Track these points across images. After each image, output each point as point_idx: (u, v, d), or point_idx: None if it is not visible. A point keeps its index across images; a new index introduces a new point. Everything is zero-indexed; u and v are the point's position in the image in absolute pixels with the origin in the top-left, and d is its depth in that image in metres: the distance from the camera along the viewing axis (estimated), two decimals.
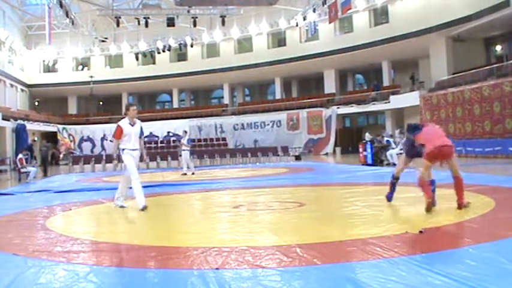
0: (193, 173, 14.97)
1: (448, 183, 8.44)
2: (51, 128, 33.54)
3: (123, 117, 7.08)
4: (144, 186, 10.89)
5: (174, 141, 32.30)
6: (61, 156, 31.94)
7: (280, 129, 32.70)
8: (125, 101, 40.77)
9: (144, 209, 6.60)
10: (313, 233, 4.52)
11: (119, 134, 6.92)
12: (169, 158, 23.64)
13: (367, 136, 18.24)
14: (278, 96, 37.59)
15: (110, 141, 34.32)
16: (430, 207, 5.27)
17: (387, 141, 16.01)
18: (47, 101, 40.81)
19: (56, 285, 3.08)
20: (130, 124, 6.93)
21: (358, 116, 35.63)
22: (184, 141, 15.55)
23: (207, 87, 41.99)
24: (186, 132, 16.72)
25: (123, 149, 6.93)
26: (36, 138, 31.91)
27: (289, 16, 32.32)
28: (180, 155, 16.95)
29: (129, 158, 6.87)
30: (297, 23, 29.79)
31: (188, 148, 15.42)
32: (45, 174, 17.84)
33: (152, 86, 39.47)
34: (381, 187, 9.05)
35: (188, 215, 6.45)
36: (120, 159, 6.98)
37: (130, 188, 6.96)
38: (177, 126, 33.38)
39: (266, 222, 5.40)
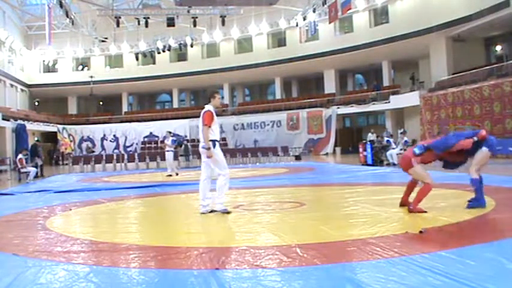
0: (176, 174, 14.68)
1: (447, 182, 8.45)
2: (51, 128, 33.55)
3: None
4: (144, 186, 11.01)
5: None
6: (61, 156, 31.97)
7: (280, 129, 32.72)
8: (125, 101, 40.89)
9: (225, 212, 5.93)
10: (313, 233, 4.52)
11: (210, 119, 6.05)
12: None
13: (370, 136, 18.04)
14: (278, 96, 37.61)
15: (111, 141, 34.50)
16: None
17: (387, 141, 16.00)
18: (47, 101, 40.84)
19: (56, 285, 3.08)
20: (215, 112, 6.20)
21: (358, 116, 35.65)
22: (168, 142, 15.18)
23: (207, 87, 41.93)
24: (170, 132, 16.28)
25: (214, 141, 6.09)
26: (36, 138, 31.93)
27: (289, 16, 32.35)
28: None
29: (218, 151, 6.09)
30: (297, 23, 29.81)
31: (172, 149, 15.22)
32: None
33: (152, 86, 39.48)
34: (381, 187, 9.07)
35: (188, 215, 6.44)
36: (210, 152, 5.96)
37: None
38: (177, 126, 33.39)
39: (266, 222, 5.39)
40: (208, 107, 6.21)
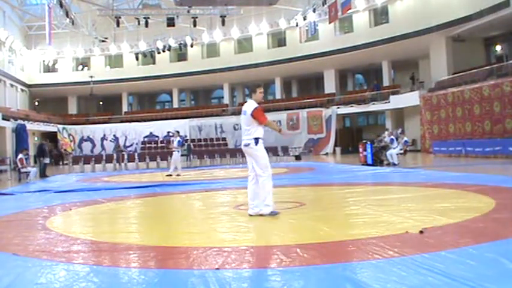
0: (178, 175, 14.75)
1: (447, 182, 8.44)
2: (51, 128, 33.56)
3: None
4: (144, 186, 11.01)
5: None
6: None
7: None
8: (125, 101, 40.89)
9: (273, 214, 5.55)
10: (313, 233, 4.52)
11: (263, 115, 5.79)
12: (169, 158, 23.59)
13: (387, 134, 17.13)
14: (278, 96, 37.62)
15: (110, 141, 34.47)
16: None
17: (391, 139, 15.88)
18: (47, 101, 40.86)
19: (56, 285, 3.08)
20: None
21: (358, 116, 35.65)
22: (174, 143, 15.36)
23: (207, 87, 42.00)
24: (178, 132, 16.27)
25: (257, 139, 5.77)
26: (36, 138, 31.94)
27: (289, 16, 32.34)
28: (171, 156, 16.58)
29: (262, 149, 5.76)
30: (297, 23, 29.81)
31: (178, 149, 15.33)
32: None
33: (152, 86, 39.49)
34: (381, 187, 9.06)
35: (188, 215, 6.44)
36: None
37: None
38: (177, 126, 33.37)
39: (266, 222, 5.39)
40: (254, 103, 5.81)
